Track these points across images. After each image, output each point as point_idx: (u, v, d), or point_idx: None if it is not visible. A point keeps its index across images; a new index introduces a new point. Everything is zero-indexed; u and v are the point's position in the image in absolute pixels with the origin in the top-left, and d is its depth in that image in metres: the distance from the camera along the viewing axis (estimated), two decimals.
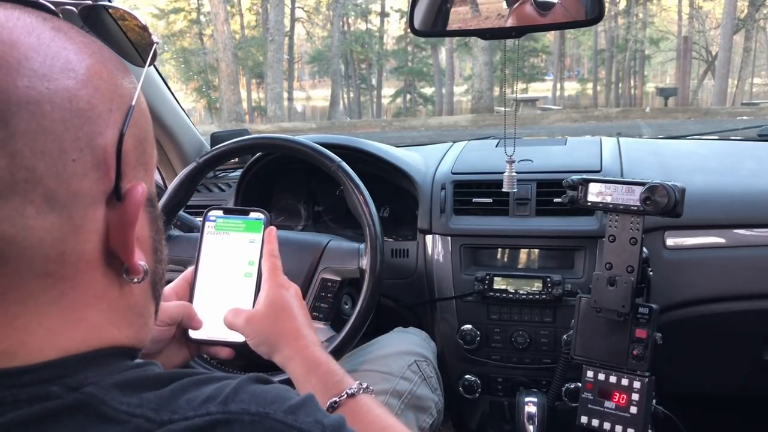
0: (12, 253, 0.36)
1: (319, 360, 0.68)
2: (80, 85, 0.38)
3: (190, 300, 0.77)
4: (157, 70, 1.43)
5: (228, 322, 0.73)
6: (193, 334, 0.74)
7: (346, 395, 0.63)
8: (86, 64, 0.39)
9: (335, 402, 0.63)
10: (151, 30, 0.47)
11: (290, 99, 20.37)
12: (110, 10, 0.47)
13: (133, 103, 0.42)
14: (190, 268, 0.80)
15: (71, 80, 0.38)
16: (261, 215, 0.80)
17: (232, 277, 0.79)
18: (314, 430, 0.40)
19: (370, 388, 0.65)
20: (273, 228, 0.79)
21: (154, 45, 0.47)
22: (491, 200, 1.30)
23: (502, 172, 1.19)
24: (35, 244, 0.36)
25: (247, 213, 0.81)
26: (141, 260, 0.43)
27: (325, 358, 0.69)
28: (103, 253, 0.41)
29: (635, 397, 1.03)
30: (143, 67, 0.48)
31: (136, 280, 0.43)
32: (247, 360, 1.28)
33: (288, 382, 0.95)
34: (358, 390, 0.64)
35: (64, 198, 0.37)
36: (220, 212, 0.82)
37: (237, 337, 0.75)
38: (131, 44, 0.48)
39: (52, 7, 0.41)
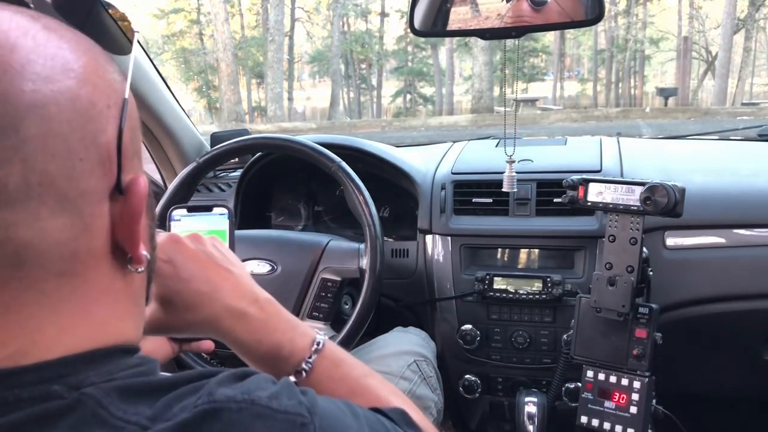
0: (29, 256, 0.36)
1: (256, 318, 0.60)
2: (80, 84, 0.38)
3: None
4: (158, 70, 1.43)
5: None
6: None
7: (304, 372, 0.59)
8: (83, 62, 0.39)
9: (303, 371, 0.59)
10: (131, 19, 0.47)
11: (290, 99, 20.37)
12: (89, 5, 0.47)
13: (126, 95, 0.42)
14: None
15: (72, 80, 0.38)
16: (224, 210, 0.80)
17: None
18: (300, 410, 0.41)
19: (318, 339, 0.61)
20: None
21: (136, 33, 0.47)
22: (491, 200, 1.30)
23: (502, 172, 1.19)
24: (50, 245, 0.37)
25: (210, 209, 0.81)
26: (144, 250, 0.43)
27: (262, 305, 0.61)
28: (110, 247, 0.41)
29: (635, 397, 1.04)
30: (127, 54, 0.47)
31: (140, 269, 0.44)
32: None
33: None
34: (311, 354, 0.59)
35: (74, 197, 0.38)
36: (183, 211, 0.82)
37: None
38: (120, 32, 0.47)
39: (28, 2, 0.41)
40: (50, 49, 0.38)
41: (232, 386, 0.41)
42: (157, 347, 0.74)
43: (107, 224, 0.40)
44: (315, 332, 0.62)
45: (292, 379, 0.58)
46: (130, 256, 0.43)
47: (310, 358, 0.59)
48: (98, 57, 0.42)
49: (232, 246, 0.78)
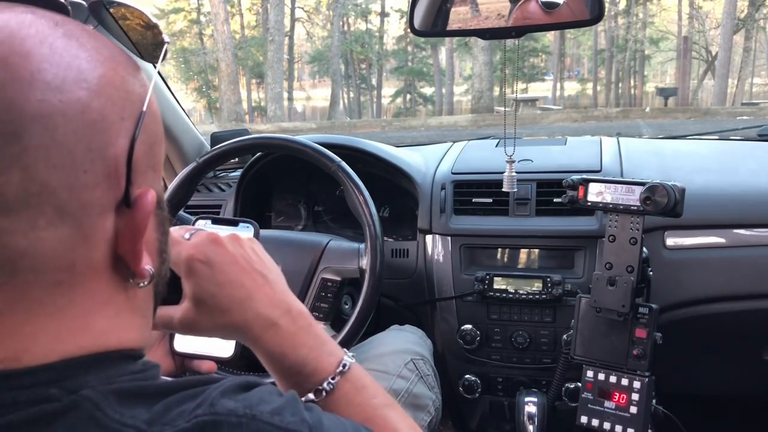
0: (23, 264, 0.36)
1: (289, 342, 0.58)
2: (93, 95, 0.38)
3: None
4: (158, 70, 1.43)
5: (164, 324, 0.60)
6: (179, 346, 0.70)
7: (325, 393, 0.57)
8: (98, 73, 0.39)
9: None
10: (161, 28, 0.45)
11: (290, 99, 20.37)
12: (111, 9, 0.45)
13: (144, 108, 0.41)
14: None
15: (84, 91, 0.37)
16: (249, 225, 0.76)
17: None
18: (302, 428, 0.40)
19: (345, 361, 0.60)
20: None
21: (165, 45, 0.45)
22: (491, 200, 1.30)
23: (502, 172, 1.19)
24: (46, 254, 0.36)
25: (236, 224, 0.77)
26: (147, 264, 0.42)
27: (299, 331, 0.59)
28: (111, 259, 0.40)
29: (635, 397, 1.04)
30: (154, 63, 0.46)
31: (142, 284, 0.42)
32: (247, 360, 1.28)
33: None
34: (336, 375, 0.58)
35: (74, 209, 0.37)
36: (208, 221, 0.78)
37: (223, 353, 0.71)
38: (138, 43, 0.46)
39: (64, 2, 0.41)
40: (65, 58, 0.37)
41: (236, 398, 0.40)
42: (160, 360, 0.73)
43: (110, 236, 0.40)
44: (344, 353, 0.60)
45: (312, 396, 0.57)
46: (133, 271, 0.42)
47: (333, 378, 0.58)
48: (119, 67, 0.40)
49: None
